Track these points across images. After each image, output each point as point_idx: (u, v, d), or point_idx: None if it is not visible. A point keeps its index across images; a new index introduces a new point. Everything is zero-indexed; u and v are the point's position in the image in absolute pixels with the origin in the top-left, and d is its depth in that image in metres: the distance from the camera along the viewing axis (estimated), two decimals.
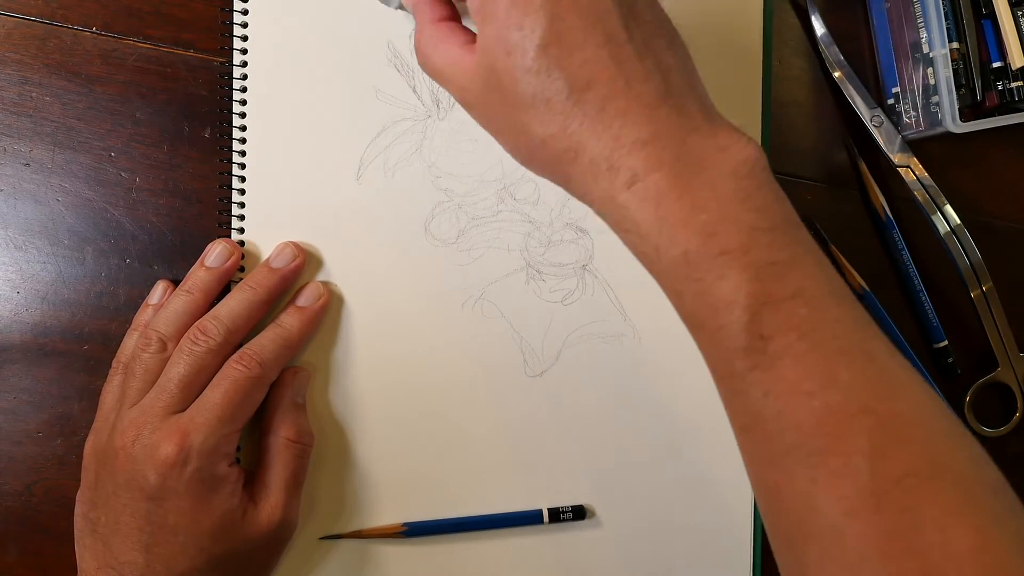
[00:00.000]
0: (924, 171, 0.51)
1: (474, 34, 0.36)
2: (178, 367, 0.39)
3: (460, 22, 0.37)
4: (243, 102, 0.44)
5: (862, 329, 0.30)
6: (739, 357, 0.29)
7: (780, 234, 0.30)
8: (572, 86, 0.31)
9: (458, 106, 0.46)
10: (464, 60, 0.34)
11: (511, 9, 0.31)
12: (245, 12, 0.44)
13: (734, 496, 0.48)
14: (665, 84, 0.32)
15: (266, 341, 0.41)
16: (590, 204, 0.33)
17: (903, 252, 0.52)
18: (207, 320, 0.40)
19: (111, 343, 0.43)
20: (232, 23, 0.44)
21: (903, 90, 0.51)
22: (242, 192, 0.44)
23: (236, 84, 0.44)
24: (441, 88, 0.46)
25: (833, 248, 0.51)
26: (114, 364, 0.42)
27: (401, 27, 0.45)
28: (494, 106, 0.33)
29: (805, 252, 0.31)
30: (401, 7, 0.39)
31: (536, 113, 0.32)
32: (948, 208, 0.51)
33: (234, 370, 0.39)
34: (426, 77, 0.45)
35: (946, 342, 0.52)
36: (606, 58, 0.31)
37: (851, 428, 0.28)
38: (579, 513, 0.46)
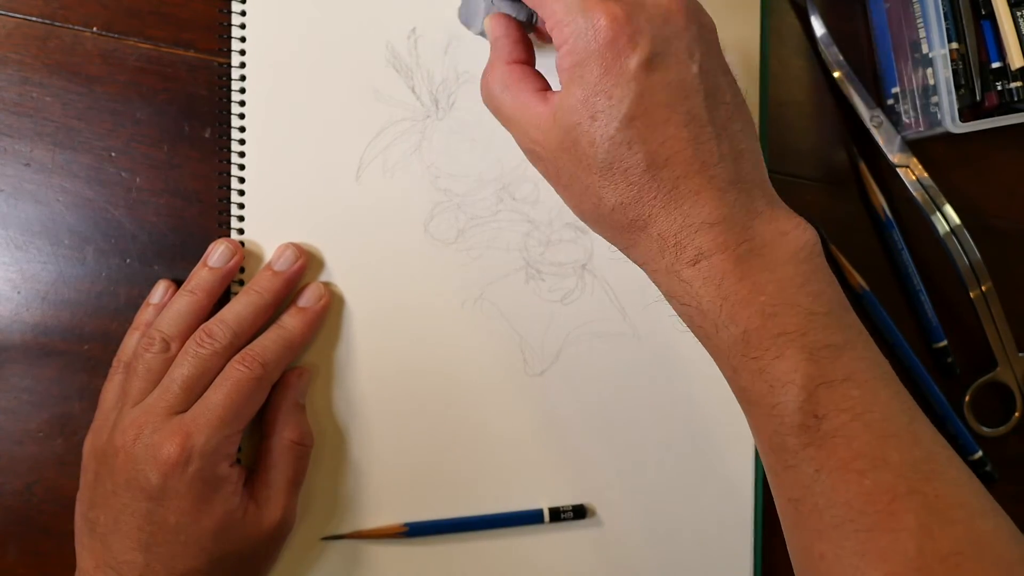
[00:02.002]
0: (924, 171, 0.51)
1: (546, 81, 0.36)
2: (182, 368, 0.39)
3: (534, 66, 0.38)
4: (243, 103, 0.44)
5: (909, 412, 0.32)
6: (793, 434, 0.31)
7: (834, 318, 0.32)
8: (651, 161, 0.32)
9: (458, 106, 0.46)
10: (537, 109, 0.35)
11: (604, 77, 0.32)
12: (243, 13, 0.44)
13: (735, 495, 0.48)
14: (736, 168, 0.33)
15: (268, 342, 0.41)
16: (650, 273, 0.34)
17: (903, 252, 0.52)
18: (213, 323, 0.40)
19: (111, 343, 0.43)
20: (231, 24, 0.44)
21: (903, 90, 0.51)
22: (242, 193, 0.44)
23: (235, 85, 0.44)
24: (440, 88, 0.46)
25: (833, 248, 0.51)
26: (115, 363, 0.42)
27: (400, 28, 0.45)
28: (566, 165, 0.34)
29: (857, 336, 0.33)
30: (483, 35, 0.40)
31: (611, 180, 0.33)
32: (948, 208, 0.51)
33: (236, 371, 0.39)
34: (426, 77, 0.46)
35: (946, 342, 0.52)
36: (686, 138, 0.32)
37: (900, 507, 0.30)
38: (580, 512, 0.47)
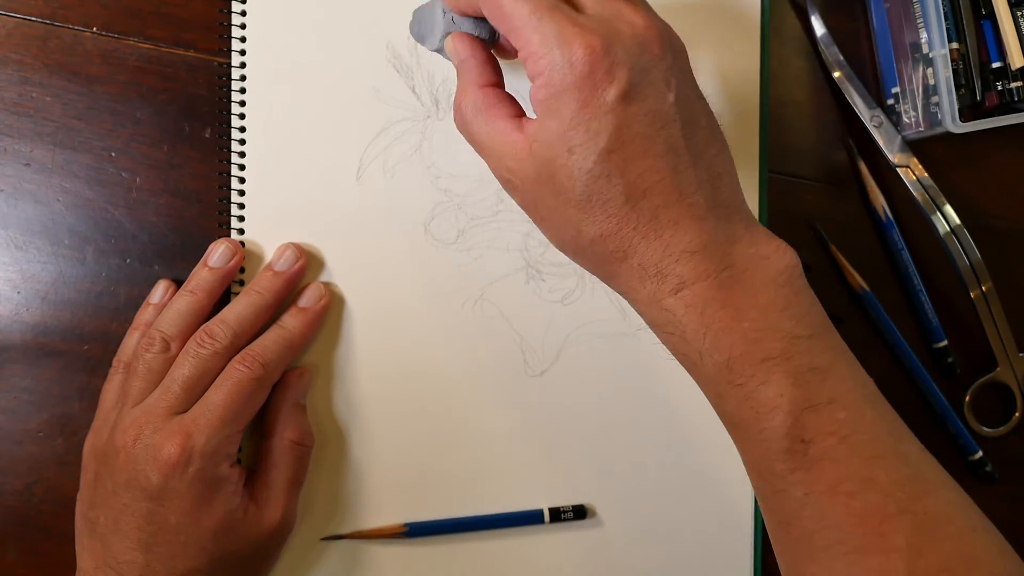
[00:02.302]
0: (924, 171, 0.51)
1: (519, 106, 0.36)
2: (183, 369, 0.39)
3: (504, 88, 0.37)
4: (243, 103, 0.44)
5: (896, 432, 0.32)
6: (780, 459, 0.31)
7: (817, 340, 0.32)
8: (630, 192, 0.32)
9: None
10: (512, 137, 0.34)
11: (581, 111, 0.32)
12: (243, 13, 0.44)
13: (735, 495, 0.48)
14: (714, 194, 0.33)
15: (268, 342, 0.41)
16: (632, 302, 0.34)
17: (903, 252, 0.52)
18: (214, 324, 0.40)
19: (111, 343, 0.43)
20: (231, 24, 0.44)
21: (903, 90, 0.51)
22: (242, 193, 0.44)
23: (235, 85, 0.44)
24: (440, 88, 0.46)
25: (833, 248, 0.51)
26: (115, 363, 0.42)
27: (400, 28, 0.45)
28: (543, 197, 0.34)
29: (840, 357, 0.33)
30: (439, 51, 0.39)
31: (591, 213, 0.33)
32: (948, 208, 0.51)
33: (237, 371, 0.39)
34: (426, 77, 0.46)
35: (946, 342, 0.52)
36: (664, 167, 0.32)
37: (889, 528, 0.30)
38: (580, 513, 0.47)
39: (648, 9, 0.34)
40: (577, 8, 0.33)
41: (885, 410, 0.33)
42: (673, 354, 0.34)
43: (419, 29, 0.41)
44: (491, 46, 0.38)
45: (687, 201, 0.32)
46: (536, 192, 0.34)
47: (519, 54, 0.33)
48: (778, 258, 0.33)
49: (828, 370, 0.32)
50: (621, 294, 0.35)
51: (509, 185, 0.35)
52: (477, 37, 0.38)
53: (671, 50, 0.33)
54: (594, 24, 0.32)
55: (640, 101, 0.32)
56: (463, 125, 0.36)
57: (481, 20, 0.37)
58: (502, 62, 0.39)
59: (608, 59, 0.31)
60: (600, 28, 0.32)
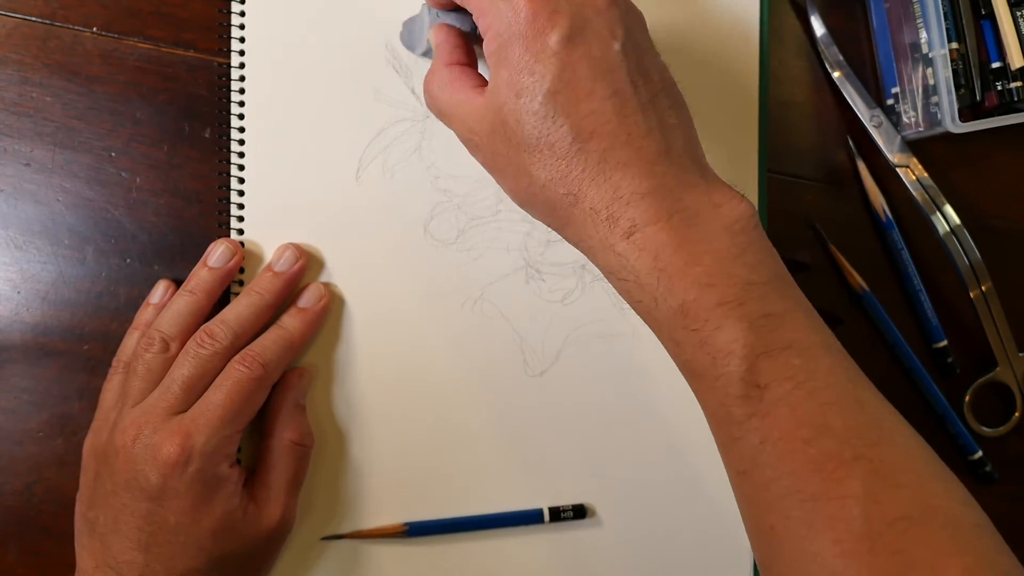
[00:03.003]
0: (924, 171, 0.51)
1: (484, 79, 0.37)
2: (183, 369, 0.39)
3: (476, 68, 0.38)
4: (242, 103, 0.44)
5: (852, 379, 0.32)
6: (737, 405, 0.31)
7: (772, 288, 0.32)
8: (576, 134, 0.32)
9: None
10: (473, 101, 0.35)
11: (524, 54, 0.33)
12: (243, 14, 0.44)
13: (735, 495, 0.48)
14: (665, 141, 0.33)
15: (268, 342, 0.41)
16: (585, 251, 0.34)
17: (903, 252, 0.52)
18: (214, 324, 0.40)
19: (111, 343, 0.43)
20: (231, 24, 0.44)
21: (903, 90, 0.51)
22: (242, 193, 0.44)
23: (235, 85, 0.44)
24: None
25: (833, 248, 0.51)
26: (114, 363, 0.42)
27: (400, 28, 0.45)
28: (498, 147, 0.34)
29: (795, 305, 0.32)
30: (426, 55, 0.41)
31: (539, 156, 0.33)
32: (948, 208, 0.51)
33: (236, 371, 0.39)
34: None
35: (946, 342, 0.52)
36: (610, 110, 0.33)
37: (845, 474, 0.29)
38: (580, 512, 0.47)
39: None
40: None
41: (842, 357, 0.32)
42: (629, 303, 0.34)
43: (408, 36, 0.44)
44: (473, 41, 0.40)
45: (635, 144, 0.33)
46: (493, 144, 0.35)
47: (475, 19, 0.35)
48: (732, 207, 0.33)
49: (783, 316, 0.31)
50: (575, 244, 0.35)
51: (471, 145, 0.37)
52: (457, 28, 0.40)
53: (617, 5, 0.34)
54: None
55: (583, 46, 0.33)
56: (431, 100, 0.38)
57: (463, 14, 0.39)
58: None
59: (550, 6, 0.33)
60: None
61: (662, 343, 0.34)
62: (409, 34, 0.44)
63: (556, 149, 0.33)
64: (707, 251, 0.32)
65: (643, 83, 0.34)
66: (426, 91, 0.38)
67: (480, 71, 0.38)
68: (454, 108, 0.36)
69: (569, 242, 0.35)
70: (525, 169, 0.34)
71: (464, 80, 0.37)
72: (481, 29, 0.35)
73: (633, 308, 0.34)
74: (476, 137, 0.36)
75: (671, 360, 0.35)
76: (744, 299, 0.31)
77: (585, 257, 0.34)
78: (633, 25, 0.35)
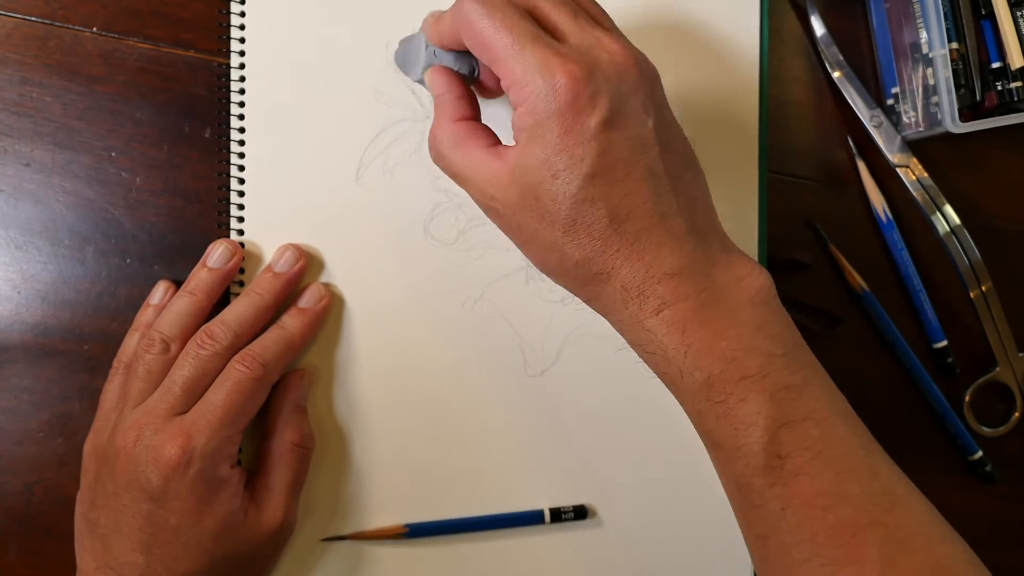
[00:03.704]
0: (924, 171, 0.51)
1: (495, 136, 0.37)
2: (183, 370, 0.39)
3: (480, 120, 0.38)
4: (242, 103, 0.44)
5: (866, 445, 0.33)
6: (758, 474, 0.32)
7: (792, 359, 0.33)
8: (613, 216, 0.33)
9: None
10: (490, 166, 0.35)
11: (565, 137, 0.32)
12: (243, 14, 0.44)
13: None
14: (692, 217, 0.34)
15: (268, 342, 0.41)
16: (614, 323, 0.35)
17: (903, 252, 0.52)
18: (214, 324, 0.40)
19: (111, 343, 0.43)
20: (231, 24, 0.44)
21: (903, 90, 0.51)
22: (241, 193, 0.44)
23: (235, 85, 0.44)
24: None
25: (833, 248, 0.51)
26: (115, 364, 0.42)
27: (400, 28, 0.45)
28: (527, 221, 0.34)
29: (813, 375, 0.34)
30: (420, 83, 0.40)
31: (575, 236, 0.33)
32: (948, 208, 0.51)
33: (237, 371, 0.39)
34: None
35: (946, 342, 0.52)
36: (646, 191, 0.33)
37: (863, 540, 0.31)
38: (580, 513, 0.47)
39: (623, 38, 0.35)
40: (557, 38, 0.34)
41: (856, 425, 0.34)
42: (654, 372, 0.35)
43: (403, 59, 0.42)
44: (470, 82, 0.39)
45: (668, 224, 0.33)
46: (519, 217, 0.34)
47: (502, 83, 0.34)
48: (752, 279, 0.34)
49: (802, 387, 0.33)
50: (602, 314, 0.36)
51: (492, 212, 0.36)
52: (456, 72, 0.38)
53: (648, 77, 0.34)
54: (575, 53, 0.33)
55: (621, 127, 0.33)
56: (440, 158, 0.37)
57: (462, 55, 0.38)
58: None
59: (590, 87, 0.32)
60: (581, 57, 0.33)
61: (684, 411, 0.35)
62: (404, 56, 0.42)
63: (592, 230, 0.33)
64: (732, 325, 0.33)
65: (671, 158, 0.34)
66: (433, 147, 0.37)
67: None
68: (468, 171, 0.36)
69: (596, 311, 0.36)
70: (557, 246, 0.34)
71: (475, 139, 0.36)
72: (512, 100, 0.34)
73: (659, 378, 0.35)
74: (498, 206, 0.35)
75: None
76: (766, 372, 0.32)
77: None
78: (660, 96, 0.35)
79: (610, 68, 0.33)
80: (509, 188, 0.34)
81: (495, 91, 0.39)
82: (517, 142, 0.34)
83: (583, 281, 0.34)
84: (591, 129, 0.32)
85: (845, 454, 0.32)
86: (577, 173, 0.32)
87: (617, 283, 0.33)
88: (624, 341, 0.35)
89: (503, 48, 0.33)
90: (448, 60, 0.38)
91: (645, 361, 0.35)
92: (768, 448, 0.32)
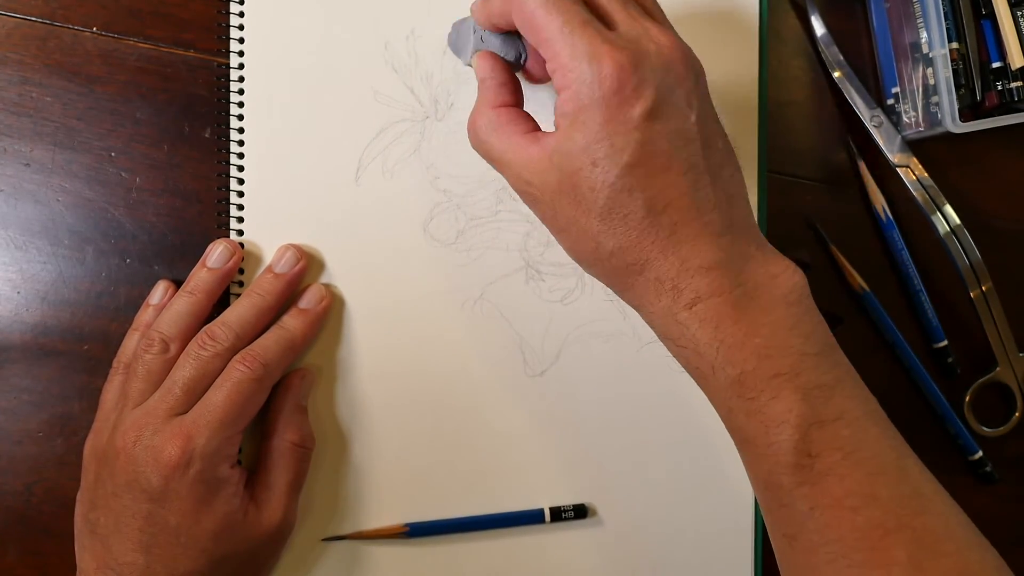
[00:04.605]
0: (924, 171, 0.51)
1: (534, 122, 0.37)
2: (184, 371, 0.39)
3: (522, 107, 0.38)
4: (242, 103, 0.44)
5: (896, 448, 0.33)
6: (787, 472, 0.32)
7: (824, 358, 0.33)
8: (651, 207, 0.33)
9: (457, 107, 0.46)
10: (529, 151, 0.35)
11: (607, 125, 0.32)
12: (242, 15, 0.44)
13: (736, 494, 0.48)
14: (729, 214, 0.34)
15: (269, 342, 0.41)
16: (646, 315, 0.35)
17: (903, 252, 0.52)
18: (216, 325, 0.40)
19: (111, 343, 0.43)
20: (229, 24, 0.44)
21: (903, 90, 0.51)
22: (241, 193, 0.44)
23: (234, 85, 0.44)
24: (439, 88, 0.46)
25: (833, 248, 0.51)
26: (115, 364, 0.42)
27: (399, 28, 0.45)
28: (563, 207, 0.34)
29: (845, 375, 0.34)
30: (471, 66, 0.39)
31: (610, 225, 0.33)
32: (948, 208, 0.51)
33: (237, 371, 0.39)
34: (425, 78, 0.46)
35: (946, 342, 0.52)
36: (684, 184, 0.33)
37: (891, 543, 0.31)
38: (580, 512, 0.47)
39: (673, 30, 0.35)
40: (607, 24, 0.34)
41: (887, 427, 0.34)
42: (684, 367, 0.35)
43: (455, 42, 0.42)
44: (516, 69, 0.39)
45: (705, 219, 0.33)
46: (557, 202, 0.34)
47: (547, 66, 0.34)
48: (787, 277, 0.34)
49: (834, 387, 0.33)
50: (635, 307, 0.35)
51: (529, 197, 0.36)
52: (502, 58, 0.38)
53: (693, 71, 0.34)
54: (623, 42, 0.33)
55: (664, 119, 0.33)
56: (479, 144, 0.37)
57: (509, 40, 0.38)
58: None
59: (636, 77, 0.32)
60: (629, 46, 0.33)
61: (714, 406, 0.35)
62: (456, 40, 0.42)
63: (629, 220, 0.33)
64: (765, 323, 0.33)
65: (711, 153, 0.34)
66: (472, 133, 0.37)
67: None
68: (506, 155, 0.36)
69: (627, 303, 0.36)
70: (593, 234, 0.34)
71: (515, 125, 0.36)
72: (557, 84, 0.34)
73: (689, 373, 0.35)
74: (535, 191, 0.35)
75: (672, 361, 0.35)
76: (799, 370, 0.32)
77: None
78: (704, 91, 0.35)
79: (657, 60, 0.33)
80: (547, 173, 0.34)
81: (541, 77, 0.39)
82: (558, 128, 0.34)
83: (616, 271, 0.34)
84: (634, 119, 0.32)
85: (875, 455, 0.32)
86: (616, 162, 0.32)
87: (651, 274, 0.33)
88: (642, 322, 0.35)
89: (553, 30, 0.33)
90: (495, 45, 0.38)
91: (675, 355, 0.35)
92: (798, 447, 0.32)
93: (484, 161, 0.46)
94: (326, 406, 0.45)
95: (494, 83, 0.37)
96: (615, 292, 0.36)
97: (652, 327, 0.35)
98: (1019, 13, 0.48)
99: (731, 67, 0.49)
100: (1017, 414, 0.53)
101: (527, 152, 0.35)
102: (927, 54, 0.49)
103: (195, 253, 0.43)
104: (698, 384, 0.35)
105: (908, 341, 0.52)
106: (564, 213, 0.34)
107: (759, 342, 0.32)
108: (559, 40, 0.33)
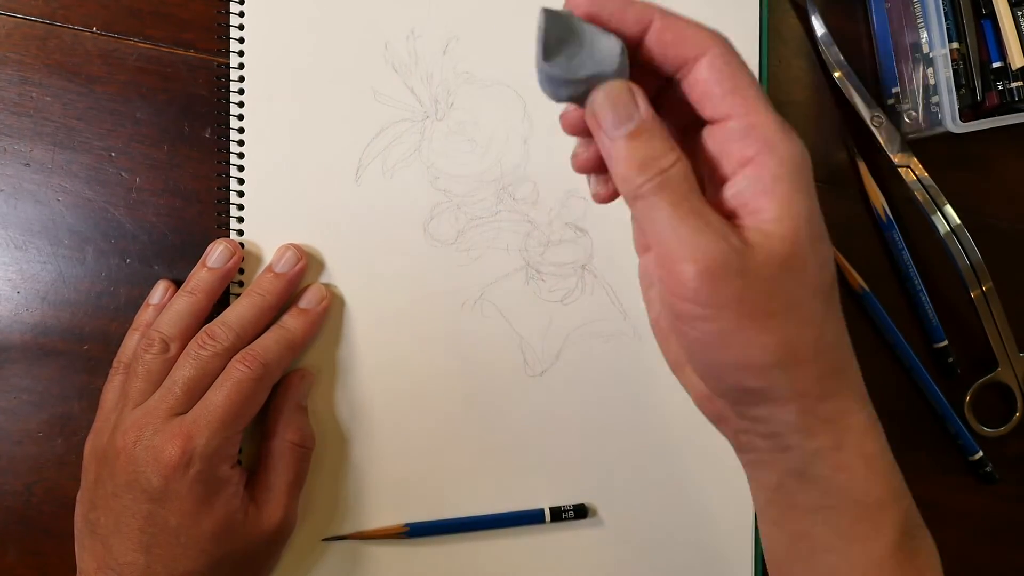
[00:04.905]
0: (924, 171, 0.51)
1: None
2: (184, 370, 0.39)
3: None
4: (242, 103, 0.44)
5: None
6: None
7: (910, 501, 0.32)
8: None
9: (457, 107, 0.46)
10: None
11: (815, 200, 0.28)
12: (242, 15, 0.44)
13: (735, 494, 0.48)
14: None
15: (269, 342, 0.41)
16: (839, 429, 0.30)
17: (903, 252, 0.52)
18: (216, 325, 0.40)
19: (111, 343, 0.43)
20: (229, 24, 0.44)
21: (903, 90, 0.51)
22: (241, 193, 0.44)
23: (234, 85, 0.44)
24: (439, 88, 0.46)
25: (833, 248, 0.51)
26: (115, 364, 0.42)
27: (399, 28, 0.45)
28: (784, 285, 0.28)
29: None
30: (571, 100, 0.30)
31: (833, 311, 0.30)
32: (948, 208, 0.51)
33: (237, 371, 0.39)
34: (425, 78, 0.45)
35: (946, 342, 0.52)
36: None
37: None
38: (581, 512, 0.47)
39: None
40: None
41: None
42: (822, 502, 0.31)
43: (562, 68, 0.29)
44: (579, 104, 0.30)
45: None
46: (777, 280, 0.28)
47: (740, 120, 0.29)
48: (867, 415, 0.31)
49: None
50: (824, 419, 0.29)
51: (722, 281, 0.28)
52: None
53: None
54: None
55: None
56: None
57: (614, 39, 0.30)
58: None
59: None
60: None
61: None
62: (566, 61, 0.29)
63: (839, 312, 0.30)
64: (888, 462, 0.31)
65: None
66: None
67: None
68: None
69: (818, 416, 0.29)
70: (818, 321, 0.28)
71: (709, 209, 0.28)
72: (754, 145, 0.28)
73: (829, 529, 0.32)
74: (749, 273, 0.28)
75: None
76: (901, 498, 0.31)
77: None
78: None
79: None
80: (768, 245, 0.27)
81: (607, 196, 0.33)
82: (771, 194, 0.28)
83: (834, 372, 0.29)
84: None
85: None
86: (828, 243, 0.29)
87: (854, 382, 0.30)
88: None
89: (759, 95, 0.29)
90: (623, 68, 0.30)
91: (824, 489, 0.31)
92: (900, 544, 0.31)
93: (484, 161, 0.46)
94: (326, 406, 0.45)
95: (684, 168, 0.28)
96: (806, 406, 0.29)
97: (816, 457, 0.30)
98: (1019, 13, 0.48)
99: None
100: (1017, 414, 0.53)
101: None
102: (927, 54, 0.49)
103: (195, 253, 0.43)
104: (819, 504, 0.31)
105: (908, 341, 0.52)
106: (779, 294, 0.27)
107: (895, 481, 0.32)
108: (766, 108, 0.29)
